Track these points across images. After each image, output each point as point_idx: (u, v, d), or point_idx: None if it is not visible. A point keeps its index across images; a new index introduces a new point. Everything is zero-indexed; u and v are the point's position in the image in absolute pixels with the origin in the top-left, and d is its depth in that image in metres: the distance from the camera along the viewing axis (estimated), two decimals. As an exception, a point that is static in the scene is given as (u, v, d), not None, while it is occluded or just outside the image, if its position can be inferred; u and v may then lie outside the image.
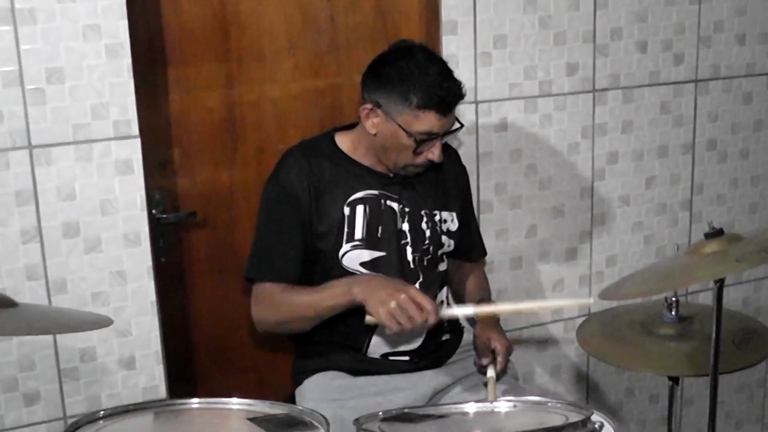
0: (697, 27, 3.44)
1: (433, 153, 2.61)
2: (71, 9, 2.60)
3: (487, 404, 2.21)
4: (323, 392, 2.71)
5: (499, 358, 2.68)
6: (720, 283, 2.05)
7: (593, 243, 3.44)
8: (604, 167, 3.40)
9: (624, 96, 3.38)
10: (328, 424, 1.99)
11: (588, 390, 3.55)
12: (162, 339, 2.87)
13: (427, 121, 2.56)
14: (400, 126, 2.57)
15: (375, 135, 2.65)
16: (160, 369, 2.88)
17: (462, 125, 2.69)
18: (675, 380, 2.53)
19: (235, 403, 2.13)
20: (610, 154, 3.40)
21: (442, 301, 2.82)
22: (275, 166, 2.73)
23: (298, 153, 2.72)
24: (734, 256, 1.97)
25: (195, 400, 2.13)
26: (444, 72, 2.58)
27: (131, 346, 2.83)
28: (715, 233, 2.08)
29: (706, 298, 3.53)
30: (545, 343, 3.44)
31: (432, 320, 2.44)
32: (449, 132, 2.64)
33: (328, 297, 2.58)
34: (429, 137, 2.58)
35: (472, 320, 2.87)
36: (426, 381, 2.73)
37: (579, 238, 3.41)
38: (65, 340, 2.76)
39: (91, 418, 1.99)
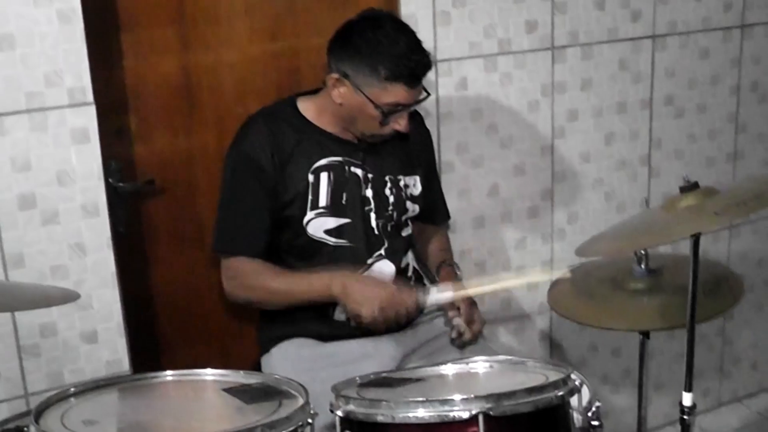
0: (653, -18, 3.43)
1: (400, 123, 2.60)
2: (20, -26, 2.52)
3: (465, 366, 2.20)
4: (292, 361, 2.70)
5: (462, 310, 2.72)
6: (696, 237, 2.04)
7: (554, 201, 3.43)
8: (564, 125, 3.38)
9: (583, 53, 3.36)
10: (307, 393, 1.96)
11: (551, 347, 3.55)
12: (124, 311, 2.81)
13: (396, 93, 2.54)
14: (368, 98, 2.55)
15: (341, 105, 2.62)
16: (123, 342, 2.82)
17: (429, 94, 2.67)
18: (646, 334, 2.53)
19: (209, 373, 2.09)
20: (569, 112, 3.38)
21: (422, 287, 2.81)
22: (237, 135, 2.70)
23: (261, 120, 2.68)
24: (712, 210, 1.95)
25: (168, 372, 2.08)
26: (413, 43, 2.56)
27: (92, 319, 2.77)
28: (690, 187, 2.06)
29: (674, 248, 3.53)
30: (508, 301, 3.42)
31: (413, 315, 2.56)
32: (417, 102, 2.62)
33: (305, 290, 2.63)
34: (397, 109, 2.56)
35: (434, 281, 2.87)
36: (394, 345, 2.71)
37: (540, 196, 3.40)
38: (24, 315, 2.69)
39: (62, 396, 1.95)
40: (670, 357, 3.79)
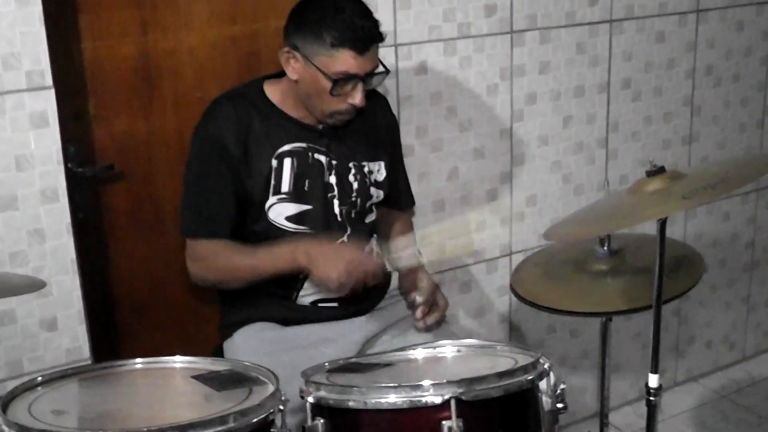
0: (610, -34, 3.45)
1: (354, 97, 2.57)
2: (-25, -45, 2.48)
3: (433, 350, 2.20)
4: (255, 346, 2.67)
5: (421, 285, 2.73)
6: (663, 221, 2.06)
7: (513, 183, 3.44)
8: (522, 108, 3.39)
9: (541, 37, 3.37)
10: (277, 379, 1.96)
11: (510, 329, 3.57)
12: (84, 298, 2.78)
13: (343, 60, 2.52)
14: (317, 68, 2.53)
15: (297, 82, 2.60)
16: (83, 329, 2.79)
17: (388, 71, 2.65)
18: (609, 317, 2.55)
19: (178, 361, 2.08)
20: (528, 95, 3.39)
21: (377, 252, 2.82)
22: (203, 116, 2.67)
23: (227, 102, 2.66)
24: (679, 194, 1.97)
25: (137, 360, 2.07)
26: (360, 10, 2.55)
27: (52, 306, 2.74)
28: (656, 171, 2.08)
29: (635, 229, 3.56)
30: (468, 284, 3.43)
31: (378, 278, 2.53)
32: (371, 75, 2.59)
33: (270, 262, 2.60)
34: (347, 79, 2.54)
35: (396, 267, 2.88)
36: (356, 329, 2.71)
37: (500, 179, 3.41)
38: (-19, 303, 2.66)
39: (29, 386, 1.93)
40: (628, 337, 3.83)
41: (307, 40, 2.53)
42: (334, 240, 2.67)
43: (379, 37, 2.57)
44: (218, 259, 2.66)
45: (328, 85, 2.54)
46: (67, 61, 2.75)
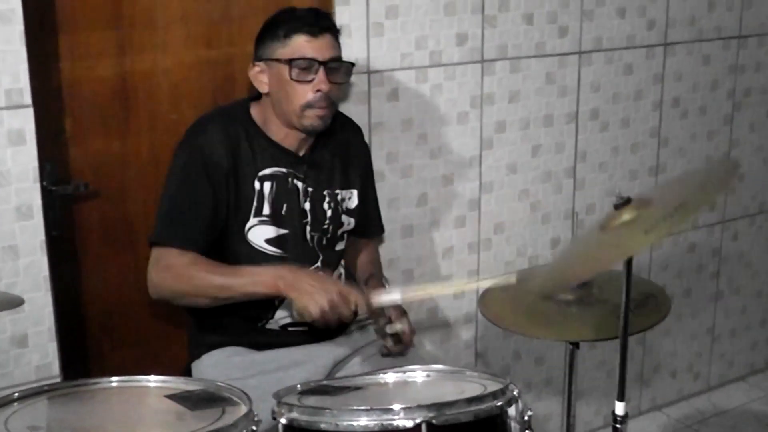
0: (580, 0, 3.51)
1: (319, 83, 2.60)
2: (-43, -27, 2.50)
3: (402, 375, 2.23)
4: (222, 369, 2.68)
5: (394, 319, 2.72)
6: (629, 260, 2.10)
7: (481, 210, 3.49)
8: (492, 136, 3.44)
9: (511, 66, 3.42)
10: (250, 400, 1.98)
11: (476, 355, 3.61)
12: (55, 315, 2.79)
13: (297, 45, 2.59)
14: (277, 61, 2.61)
15: (269, 93, 2.66)
16: (53, 346, 2.80)
17: (353, 64, 2.71)
18: (575, 344, 2.59)
19: (151, 380, 2.10)
20: (497, 123, 3.45)
21: (366, 285, 2.84)
22: (191, 130, 2.69)
23: (218, 119, 2.69)
24: (645, 228, 2.01)
25: (111, 378, 2.08)
26: (310, 8, 2.68)
27: (24, 323, 2.75)
28: (624, 203, 2.11)
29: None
30: (434, 310, 3.47)
31: (362, 312, 2.53)
32: (334, 62, 2.63)
33: (249, 284, 2.55)
34: (306, 64, 2.59)
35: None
36: (325, 353, 2.73)
37: (468, 206, 3.46)
38: (-46, 317, 2.67)
39: (5, 401, 1.94)
40: (591, 365, 3.88)
41: (266, 44, 2.63)
42: (307, 267, 2.67)
43: (330, 24, 2.65)
44: (188, 272, 2.58)
45: (285, 71, 2.59)
46: (45, 80, 2.77)
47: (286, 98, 2.63)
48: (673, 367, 4.22)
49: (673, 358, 4.21)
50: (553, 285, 2.41)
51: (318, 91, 2.60)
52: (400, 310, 2.76)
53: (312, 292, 2.47)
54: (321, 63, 2.59)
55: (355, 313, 2.60)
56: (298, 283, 2.50)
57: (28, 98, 2.63)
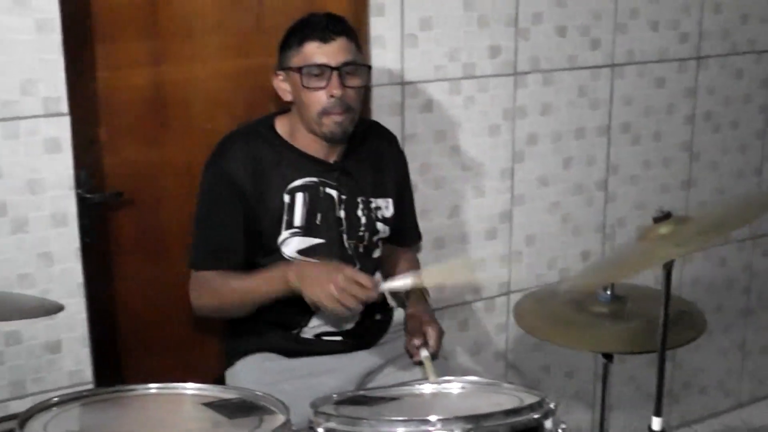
0: (613, 13, 3.51)
1: (331, 88, 2.59)
2: (0, -17, 2.53)
3: (438, 386, 2.23)
4: (256, 375, 2.69)
5: (431, 342, 2.70)
6: (669, 267, 2.10)
7: (513, 223, 3.49)
8: (524, 148, 3.44)
9: (544, 79, 3.43)
10: (287, 409, 1.98)
11: (506, 367, 3.61)
12: (88, 322, 2.81)
13: (309, 52, 2.59)
14: (292, 70, 2.62)
15: (293, 102, 2.67)
16: (86, 352, 2.83)
17: (369, 66, 2.71)
18: (609, 357, 2.59)
19: (188, 387, 2.10)
20: (529, 136, 3.45)
21: (406, 297, 2.85)
22: (215, 151, 2.70)
23: (240, 138, 2.70)
24: (683, 239, 2.02)
25: (149, 385, 2.09)
26: (324, 13, 2.66)
27: (57, 329, 2.77)
28: (663, 216, 2.12)
29: (642, 278, 3.58)
30: (465, 321, 3.47)
31: (374, 295, 2.46)
32: (346, 65, 2.60)
33: (264, 284, 2.59)
34: (318, 70, 2.58)
35: (403, 303, 2.89)
36: (357, 362, 2.74)
37: (499, 218, 3.46)
38: (-10, 323, 2.69)
39: (44, 406, 1.95)
40: (620, 379, 3.86)
41: (284, 53, 2.65)
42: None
43: (343, 28, 2.62)
44: (216, 285, 2.65)
45: (300, 78, 2.61)
46: (82, 89, 2.79)
47: (304, 106, 2.64)
48: (703, 383, 4.20)
49: (704, 374, 4.19)
50: (586, 284, 2.41)
51: (332, 96, 2.59)
52: (438, 331, 2.75)
53: (318, 281, 2.46)
54: (333, 68, 2.58)
55: (385, 320, 2.57)
56: (305, 274, 2.50)
57: (65, 107, 2.66)
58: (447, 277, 2.83)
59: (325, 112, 2.62)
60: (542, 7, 3.35)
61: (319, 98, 2.60)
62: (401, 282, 2.54)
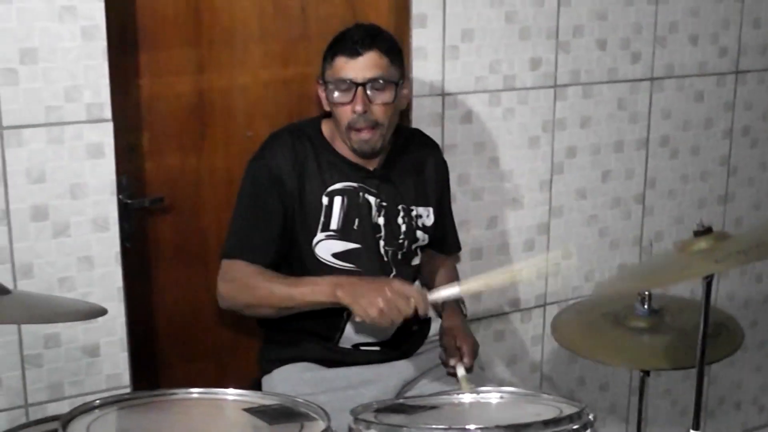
0: (653, 27, 3.51)
1: (355, 104, 2.58)
2: (47, -11, 2.56)
3: (476, 395, 2.24)
4: (294, 385, 2.70)
5: (466, 359, 2.69)
6: (709, 280, 2.10)
7: (550, 235, 3.49)
8: (562, 161, 3.45)
9: (583, 92, 3.43)
10: (328, 416, 1.99)
11: (542, 379, 3.60)
12: (127, 326, 2.83)
13: (338, 66, 2.59)
14: (325, 83, 2.63)
15: (331, 111, 2.67)
16: (125, 356, 2.85)
17: (397, 83, 2.62)
18: (646, 372, 2.58)
19: (229, 393, 2.12)
20: (568, 148, 3.45)
21: (442, 307, 2.84)
22: (261, 148, 2.71)
23: (286, 136, 2.70)
24: (724, 254, 2.02)
25: (191, 389, 2.11)
26: (362, 24, 2.65)
27: (96, 332, 2.79)
28: (704, 231, 2.12)
29: (678, 291, 3.58)
30: (502, 332, 3.47)
31: (422, 308, 2.44)
32: (373, 81, 2.58)
33: (309, 293, 2.54)
34: (345, 85, 2.58)
35: (439, 313, 2.89)
36: (395, 373, 2.74)
37: (537, 230, 3.46)
38: (30, 325, 2.71)
39: (86, 408, 1.97)
40: (655, 393, 3.85)
41: (323, 64, 2.65)
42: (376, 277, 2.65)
43: (375, 42, 2.58)
44: (254, 282, 2.61)
45: (328, 92, 2.61)
46: (125, 95, 2.83)
47: (335, 119, 2.66)
48: (737, 398, 4.18)
49: (738, 389, 4.17)
50: (621, 289, 2.40)
51: (355, 112, 2.59)
52: (473, 345, 2.74)
53: (366, 295, 2.43)
54: (359, 84, 2.57)
55: (416, 311, 2.56)
56: (353, 290, 2.47)
57: (108, 113, 2.68)
58: (493, 283, 2.76)
59: (351, 128, 2.62)
60: (583, 20, 3.35)
61: (346, 113, 2.60)
62: (448, 291, 2.50)
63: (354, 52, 2.57)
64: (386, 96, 2.61)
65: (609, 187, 3.57)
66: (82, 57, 2.62)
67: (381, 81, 2.59)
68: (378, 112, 2.60)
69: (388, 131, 2.67)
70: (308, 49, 3.05)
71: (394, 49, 2.64)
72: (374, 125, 2.61)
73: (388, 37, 2.66)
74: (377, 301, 2.40)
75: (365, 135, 2.62)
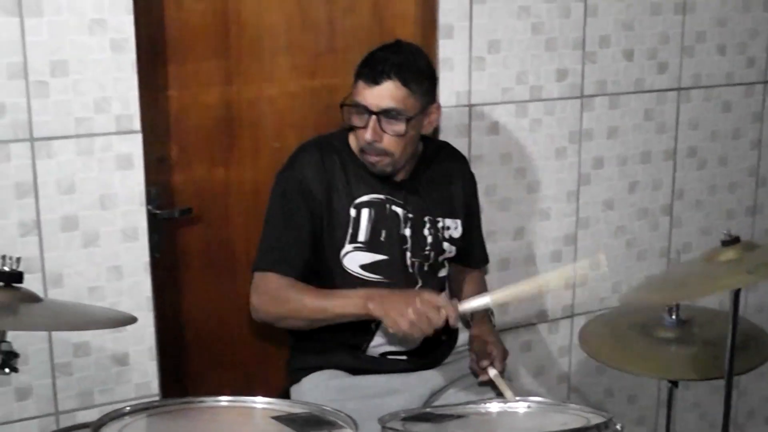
0: (680, 37, 3.51)
1: (365, 131, 2.59)
2: (78, 2, 2.59)
3: (505, 405, 2.24)
4: (322, 392, 2.71)
5: (496, 364, 2.69)
6: (736, 292, 2.09)
7: (577, 246, 3.49)
8: (589, 172, 3.45)
9: (610, 102, 3.43)
10: (356, 425, 2.00)
11: (569, 390, 3.60)
12: (156, 335, 2.86)
13: (358, 90, 2.59)
14: (347, 103, 2.63)
15: None
16: (153, 365, 2.87)
17: (409, 118, 2.58)
18: (674, 383, 2.58)
19: (257, 401, 2.13)
20: (595, 159, 3.45)
21: (471, 319, 2.84)
22: (289, 160, 2.73)
23: (315, 148, 2.72)
24: (747, 267, 2.01)
25: (219, 397, 2.12)
26: (389, 46, 2.61)
27: (125, 341, 2.82)
28: (732, 241, 2.12)
29: (707, 301, 3.56)
30: (529, 343, 3.47)
31: (453, 318, 2.45)
32: (386, 112, 2.57)
33: (341, 306, 2.56)
34: (360, 109, 2.58)
35: (467, 323, 2.90)
36: (423, 382, 2.75)
37: (564, 241, 3.46)
38: (60, 334, 2.74)
39: (116, 415, 1.99)
40: (683, 406, 3.83)
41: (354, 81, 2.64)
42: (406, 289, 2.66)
43: (393, 71, 2.54)
44: (286, 294, 2.62)
45: (345, 113, 2.63)
46: (154, 107, 2.85)
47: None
48: (767, 412, 4.15)
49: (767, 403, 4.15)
50: (649, 301, 2.39)
51: (365, 140, 2.61)
52: (503, 352, 2.74)
53: (396, 307, 2.45)
54: (372, 112, 2.57)
55: (447, 321, 2.57)
56: (384, 302, 2.49)
57: (137, 124, 2.71)
58: (523, 293, 2.70)
59: (362, 150, 2.65)
60: (609, 31, 3.36)
61: (359, 135, 2.62)
62: (479, 302, 2.51)
63: (372, 80, 2.56)
64: (398, 128, 2.58)
65: (636, 198, 3.57)
66: (111, 69, 2.65)
67: (394, 113, 2.57)
68: (389, 142, 2.60)
69: (402, 157, 2.67)
70: (335, 61, 3.07)
71: (418, 78, 2.59)
72: (383, 153, 2.63)
73: (415, 64, 2.60)
74: (408, 313, 2.41)
75: (373, 159, 2.64)
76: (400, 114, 2.57)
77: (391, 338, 2.73)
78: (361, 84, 2.57)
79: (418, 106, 2.60)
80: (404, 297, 2.47)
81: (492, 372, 2.65)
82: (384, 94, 2.55)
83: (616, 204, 3.53)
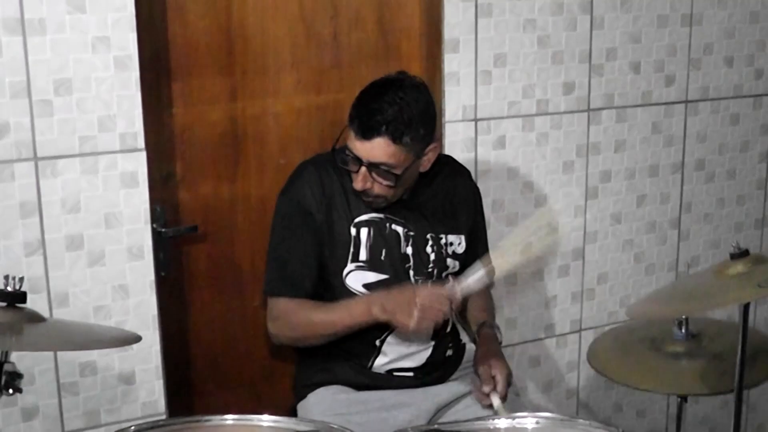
0: (687, 49, 3.49)
1: (356, 180, 2.59)
2: (81, 21, 2.58)
3: (513, 421, 2.23)
4: (328, 407, 2.70)
5: (499, 387, 2.65)
6: (746, 305, 2.08)
7: (585, 260, 3.47)
8: (597, 185, 3.43)
9: (617, 115, 3.42)
10: (361, 442, 1.99)
11: (578, 405, 3.58)
12: (162, 353, 2.84)
13: (351, 136, 2.57)
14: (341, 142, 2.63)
15: None
16: (160, 384, 2.86)
17: (397, 176, 2.57)
18: (683, 398, 2.56)
19: (264, 419, 2.12)
20: (603, 173, 3.43)
21: (449, 276, 2.78)
22: (289, 180, 2.74)
23: (312, 167, 2.72)
24: (757, 280, 1.99)
25: (226, 416, 2.11)
26: (380, 97, 2.53)
27: (132, 360, 2.81)
28: (741, 254, 2.10)
29: (716, 314, 3.55)
30: (537, 358, 3.45)
31: (456, 302, 2.53)
32: (373, 166, 2.55)
33: (347, 317, 2.61)
34: (347, 155, 2.58)
35: (474, 340, 2.87)
36: (429, 397, 2.73)
37: (572, 255, 3.44)
38: (66, 354, 2.73)
39: (122, 434, 1.98)
40: (693, 420, 3.81)
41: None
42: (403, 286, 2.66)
43: (382, 128, 2.50)
44: (296, 316, 2.68)
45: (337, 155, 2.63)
46: (158, 124, 2.84)
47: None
48: (777, 425, 4.14)
49: (777, 416, 4.12)
50: (657, 315, 2.38)
51: (355, 187, 2.61)
52: (507, 375, 2.68)
53: (400, 308, 2.50)
54: (363, 164, 2.56)
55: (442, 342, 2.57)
56: (388, 306, 2.53)
57: (141, 142, 2.70)
58: (521, 251, 2.74)
59: (358, 192, 2.64)
60: (616, 43, 3.34)
61: (352, 178, 2.61)
62: (474, 277, 2.56)
63: (362, 135, 2.53)
64: (388, 180, 2.58)
65: (644, 211, 3.55)
66: (115, 87, 2.65)
67: (385, 168, 2.56)
68: (380, 189, 2.61)
69: (397, 196, 2.67)
70: (340, 76, 3.06)
71: (413, 129, 2.54)
72: (375, 197, 2.64)
73: (410, 113, 2.53)
74: (412, 311, 2.46)
75: (367, 200, 2.66)
76: (392, 168, 2.56)
77: (407, 337, 2.72)
78: (352, 134, 2.56)
79: (411, 157, 2.58)
80: (405, 296, 2.52)
81: (495, 402, 2.61)
82: (375, 149, 2.53)
83: (624, 218, 3.51)
